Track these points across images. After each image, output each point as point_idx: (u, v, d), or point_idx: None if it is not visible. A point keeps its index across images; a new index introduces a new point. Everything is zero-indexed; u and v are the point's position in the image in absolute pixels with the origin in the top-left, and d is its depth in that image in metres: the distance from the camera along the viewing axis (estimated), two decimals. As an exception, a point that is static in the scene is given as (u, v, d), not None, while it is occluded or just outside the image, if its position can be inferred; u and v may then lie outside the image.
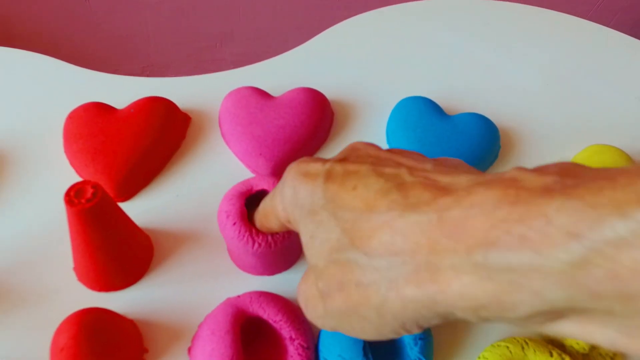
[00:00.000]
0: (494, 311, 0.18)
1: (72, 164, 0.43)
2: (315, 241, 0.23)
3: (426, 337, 0.32)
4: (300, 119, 0.43)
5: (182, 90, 0.48)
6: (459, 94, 0.49)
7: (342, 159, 0.25)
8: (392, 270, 0.20)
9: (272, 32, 1.01)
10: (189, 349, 0.34)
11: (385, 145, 0.45)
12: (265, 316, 0.32)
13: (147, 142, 0.42)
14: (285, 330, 0.32)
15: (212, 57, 1.00)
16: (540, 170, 0.19)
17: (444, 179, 0.21)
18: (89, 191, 0.31)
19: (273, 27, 1.00)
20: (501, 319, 0.19)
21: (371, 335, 0.23)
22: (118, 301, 0.36)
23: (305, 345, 0.32)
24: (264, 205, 0.30)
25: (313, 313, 0.25)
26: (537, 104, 0.49)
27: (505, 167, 0.45)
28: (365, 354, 0.30)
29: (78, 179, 0.42)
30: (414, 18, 0.56)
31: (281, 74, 0.50)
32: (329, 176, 0.24)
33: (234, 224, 0.32)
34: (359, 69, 0.51)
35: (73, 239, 0.34)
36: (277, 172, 0.42)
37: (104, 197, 0.32)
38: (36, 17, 0.87)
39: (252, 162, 0.42)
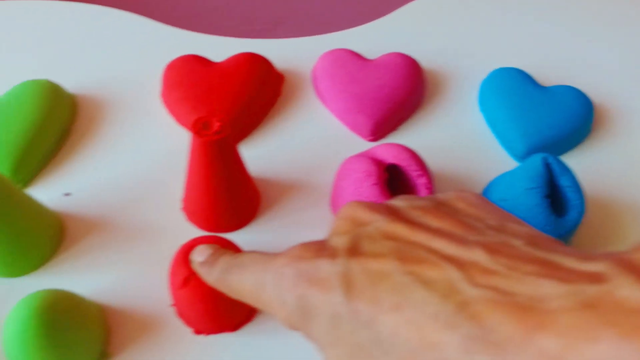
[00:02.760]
0: None
1: (171, 111, 0.43)
2: None
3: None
4: (398, 82, 0.43)
5: (273, 51, 0.48)
6: (551, 67, 0.49)
7: (352, 248, 0.19)
8: None
9: (328, 14, 1.02)
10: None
11: (479, 115, 0.45)
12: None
13: (247, 95, 0.42)
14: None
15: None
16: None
17: (521, 289, 0.16)
18: (216, 124, 0.31)
19: (329, 9, 1.01)
20: None
21: None
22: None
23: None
24: (242, 286, 0.23)
25: None
26: (632, 79, 0.49)
27: (599, 143, 0.44)
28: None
29: (176, 126, 0.43)
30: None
31: (369, 40, 0.50)
32: (349, 286, 0.18)
33: (374, 184, 0.32)
34: (448, 38, 0.51)
35: (191, 175, 0.34)
36: (376, 131, 0.42)
37: (229, 133, 0.32)
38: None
39: (351, 119, 0.42)
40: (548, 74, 0.47)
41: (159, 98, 0.44)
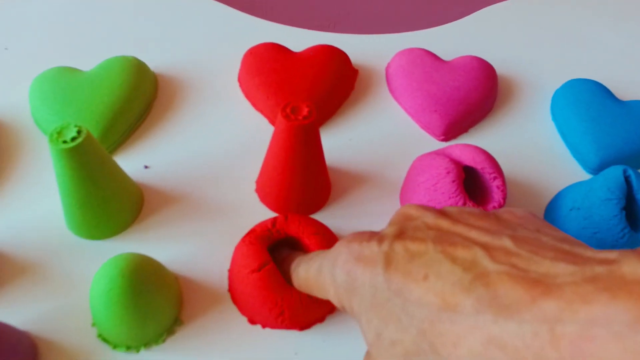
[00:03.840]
0: None
1: (248, 96, 0.44)
2: (384, 341, 0.20)
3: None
4: (474, 84, 0.44)
5: (346, 46, 0.49)
6: (630, 82, 0.48)
7: (399, 234, 0.22)
8: None
9: (387, 18, 1.02)
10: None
11: (550, 124, 0.45)
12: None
13: (324, 87, 0.43)
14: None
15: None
16: None
17: (536, 268, 0.18)
18: (305, 109, 0.32)
19: (388, 13, 1.01)
20: None
21: None
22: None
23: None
24: (307, 274, 0.27)
25: None
26: None
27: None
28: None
29: (253, 110, 0.44)
30: (584, 6, 0.56)
31: (443, 42, 0.50)
32: (389, 261, 0.21)
33: (453, 181, 0.33)
34: (522, 45, 0.51)
35: (271, 157, 0.35)
36: (448, 131, 0.42)
37: (315, 118, 0.33)
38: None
39: (425, 118, 0.43)
40: (626, 89, 0.47)
41: (236, 83, 0.46)
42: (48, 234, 0.35)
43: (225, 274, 0.34)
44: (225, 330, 0.32)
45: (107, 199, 0.34)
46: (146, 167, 0.40)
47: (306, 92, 0.42)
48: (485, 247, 0.19)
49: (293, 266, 0.29)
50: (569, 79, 0.46)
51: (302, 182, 0.35)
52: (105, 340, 0.31)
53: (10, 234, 0.35)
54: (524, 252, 0.19)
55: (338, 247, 0.24)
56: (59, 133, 0.30)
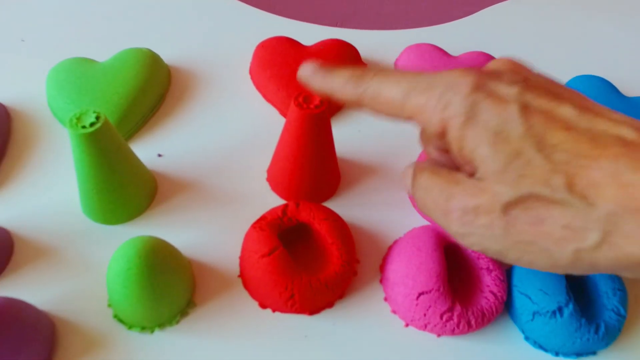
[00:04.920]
0: None
1: (260, 88, 0.45)
2: (511, 173, 0.22)
3: (624, 288, 0.32)
4: (480, 79, 0.44)
5: (356, 41, 0.49)
6: (633, 78, 0.49)
7: (525, 85, 0.23)
8: (616, 222, 0.20)
9: (394, 17, 1.03)
10: (381, 267, 0.35)
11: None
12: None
13: (334, 79, 0.44)
14: (483, 260, 0.33)
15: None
16: None
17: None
18: (317, 99, 0.33)
19: (395, 12, 1.02)
20: None
21: (536, 266, 0.23)
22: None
23: (501, 278, 0.33)
24: (396, 92, 0.25)
25: (474, 229, 0.23)
26: None
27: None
28: (567, 293, 0.31)
29: (264, 102, 0.45)
30: (591, 4, 0.57)
31: (451, 38, 0.51)
32: (525, 106, 0.22)
33: None
34: (528, 42, 0.52)
35: (283, 145, 0.36)
36: (455, 125, 0.43)
37: (327, 108, 0.33)
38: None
39: (432, 111, 0.43)
40: (631, 85, 0.47)
41: (248, 75, 0.46)
42: (65, 218, 0.36)
43: (236, 260, 0.35)
44: (237, 313, 0.33)
45: (123, 184, 0.35)
46: (159, 155, 0.41)
47: (316, 85, 0.43)
48: (614, 120, 0.22)
49: (343, 78, 0.27)
50: (575, 75, 0.47)
51: (313, 170, 0.36)
52: (120, 320, 0.32)
53: (29, 219, 0.36)
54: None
55: (456, 76, 0.24)
56: (78, 119, 0.31)
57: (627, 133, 0.21)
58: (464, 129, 0.23)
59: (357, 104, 0.27)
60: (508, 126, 0.22)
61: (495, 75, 0.24)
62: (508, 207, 0.22)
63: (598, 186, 0.20)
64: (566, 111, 0.22)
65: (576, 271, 0.22)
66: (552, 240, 0.22)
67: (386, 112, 0.26)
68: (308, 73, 0.28)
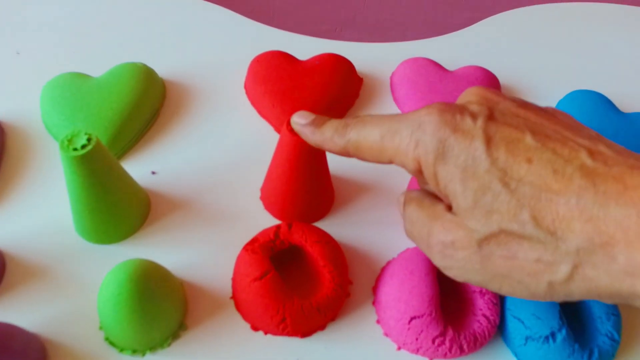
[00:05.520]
0: None
1: (254, 103, 0.45)
2: (480, 209, 0.23)
3: (618, 313, 0.32)
4: (476, 95, 0.44)
5: (351, 54, 0.49)
6: (632, 94, 0.48)
7: (489, 115, 0.24)
8: (586, 256, 0.21)
9: (393, 22, 1.03)
10: (374, 288, 0.35)
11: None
12: None
13: (329, 95, 0.44)
14: None
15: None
16: None
17: (630, 175, 0.21)
18: None
19: (394, 18, 1.02)
20: None
21: (520, 296, 0.24)
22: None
23: (494, 301, 0.33)
24: (370, 137, 0.26)
25: (454, 263, 0.24)
26: None
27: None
28: (560, 318, 0.31)
29: (258, 117, 0.45)
30: (587, 18, 0.56)
31: (448, 51, 0.51)
32: (489, 139, 0.23)
33: None
34: (525, 56, 0.52)
35: (276, 167, 0.35)
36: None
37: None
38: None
39: (428, 127, 0.43)
40: (628, 101, 0.47)
41: (243, 89, 0.46)
42: (58, 237, 0.36)
43: (229, 282, 0.35)
44: (229, 336, 0.33)
45: (115, 204, 0.34)
46: (153, 172, 0.41)
47: (312, 101, 0.43)
48: (585, 148, 0.22)
49: (330, 131, 0.29)
50: (572, 90, 0.47)
51: (305, 193, 0.36)
52: (112, 343, 0.32)
53: (21, 237, 0.36)
54: (621, 155, 0.22)
55: (424, 115, 0.24)
56: (70, 140, 0.31)
57: (585, 159, 0.22)
58: (435, 166, 0.24)
59: (345, 154, 0.28)
60: (475, 162, 0.23)
61: (461, 109, 0.24)
62: (482, 242, 0.23)
63: (565, 220, 0.21)
64: (529, 142, 0.22)
65: (556, 300, 0.23)
66: (526, 273, 0.22)
67: (370, 158, 0.27)
68: (299, 125, 0.30)
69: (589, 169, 0.21)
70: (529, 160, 0.22)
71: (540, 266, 0.22)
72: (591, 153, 0.22)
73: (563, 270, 0.21)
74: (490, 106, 0.24)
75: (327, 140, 0.29)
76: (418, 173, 0.25)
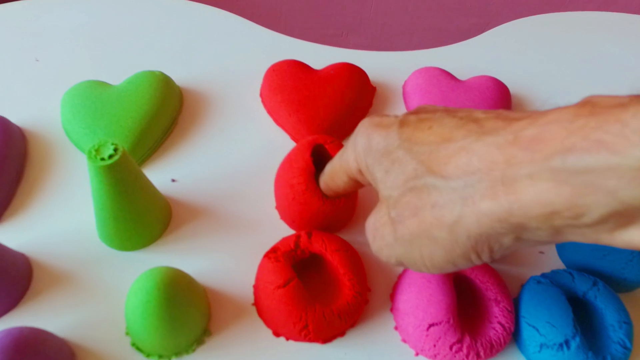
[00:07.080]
0: (567, 217, 0.19)
1: (271, 112, 0.46)
2: (390, 175, 0.25)
3: (629, 321, 0.33)
4: (488, 104, 0.45)
5: (363, 63, 0.50)
6: None
7: (414, 111, 0.27)
8: (468, 188, 0.22)
9: (399, 28, 1.03)
10: (391, 295, 0.36)
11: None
12: (473, 276, 0.34)
13: (345, 103, 0.44)
14: (491, 291, 0.34)
15: (336, 45, 1.03)
16: (612, 95, 0.20)
17: (516, 114, 0.23)
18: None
19: (400, 24, 1.02)
20: (573, 228, 0.20)
21: (440, 261, 0.24)
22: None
23: (509, 309, 0.34)
24: (332, 165, 0.32)
25: (381, 242, 0.27)
26: None
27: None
28: (574, 326, 0.32)
29: (274, 125, 0.45)
30: (597, 26, 0.57)
31: (458, 59, 0.52)
32: (403, 123, 0.26)
33: None
34: (535, 64, 0.53)
35: (282, 178, 0.36)
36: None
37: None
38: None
39: (441, 137, 0.44)
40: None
41: (259, 97, 0.47)
42: (82, 244, 0.37)
43: (250, 288, 0.36)
44: (252, 341, 0.34)
45: (140, 212, 0.35)
46: (173, 180, 0.41)
47: (326, 110, 0.43)
48: (481, 109, 0.25)
49: (322, 183, 0.35)
50: (581, 97, 0.48)
51: (319, 211, 0.36)
52: (138, 348, 0.33)
53: (47, 244, 0.37)
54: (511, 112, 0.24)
55: (358, 127, 0.29)
56: (97, 150, 0.32)
57: (478, 114, 0.24)
58: (366, 160, 0.27)
59: (341, 194, 0.35)
60: (389, 144, 0.26)
61: (387, 114, 0.28)
62: (393, 208, 0.25)
63: (452, 161, 0.23)
64: (435, 115, 0.25)
65: (477, 255, 0.23)
66: (430, 225, 0.24)
67: (341, 184, 0.32)
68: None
69: (480, 118, 0.23)
70: (430, 127, 0.25)
71: (437, 212, 0.23)
72: (485, 111, 0.24)
73: (456, 208, 0.22)
74: (418, 109, 0.27)
75: (326, 190, 0.35)
76: (360, 174, 0.29)
